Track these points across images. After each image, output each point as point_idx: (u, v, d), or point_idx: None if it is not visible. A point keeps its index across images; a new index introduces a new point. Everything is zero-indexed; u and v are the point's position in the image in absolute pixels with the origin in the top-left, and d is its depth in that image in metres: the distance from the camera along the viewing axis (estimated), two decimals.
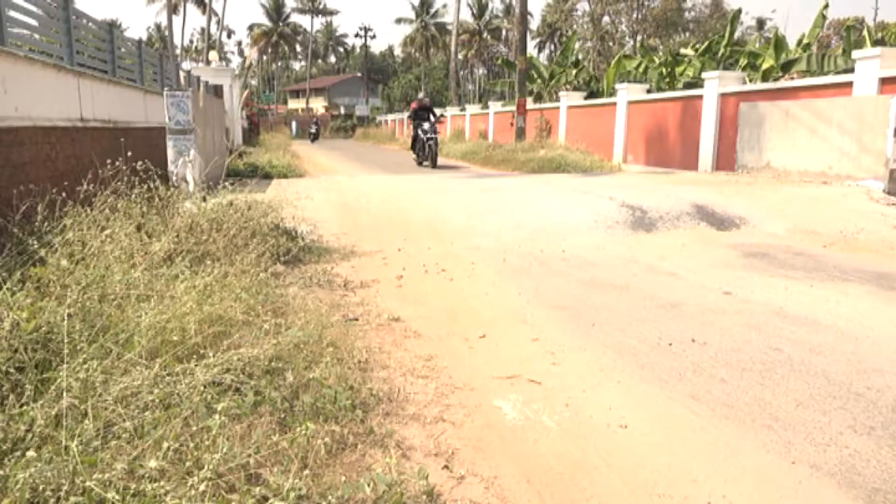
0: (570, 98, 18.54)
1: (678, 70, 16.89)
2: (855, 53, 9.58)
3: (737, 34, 18.31)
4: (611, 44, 34.41)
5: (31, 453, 1.77)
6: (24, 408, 2.13)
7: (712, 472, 2.38)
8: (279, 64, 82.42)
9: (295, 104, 76.25)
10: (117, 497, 1.76)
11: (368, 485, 2.12)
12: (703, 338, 3.77)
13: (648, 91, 15.78)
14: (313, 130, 40.25)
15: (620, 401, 2.98)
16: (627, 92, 15.44)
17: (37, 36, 6.82)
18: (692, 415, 2.83)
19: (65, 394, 2.15)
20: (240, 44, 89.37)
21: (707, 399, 2.98)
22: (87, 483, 1.78)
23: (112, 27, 9.19)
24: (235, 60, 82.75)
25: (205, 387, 2.41)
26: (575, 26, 33.15)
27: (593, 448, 2.57)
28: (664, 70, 16.92)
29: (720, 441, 2.60)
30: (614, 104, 15.93)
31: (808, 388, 3.07)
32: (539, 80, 22.00)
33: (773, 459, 2.46)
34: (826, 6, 14.60)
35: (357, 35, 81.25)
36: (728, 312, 4.25)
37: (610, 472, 2.40)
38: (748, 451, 2.52)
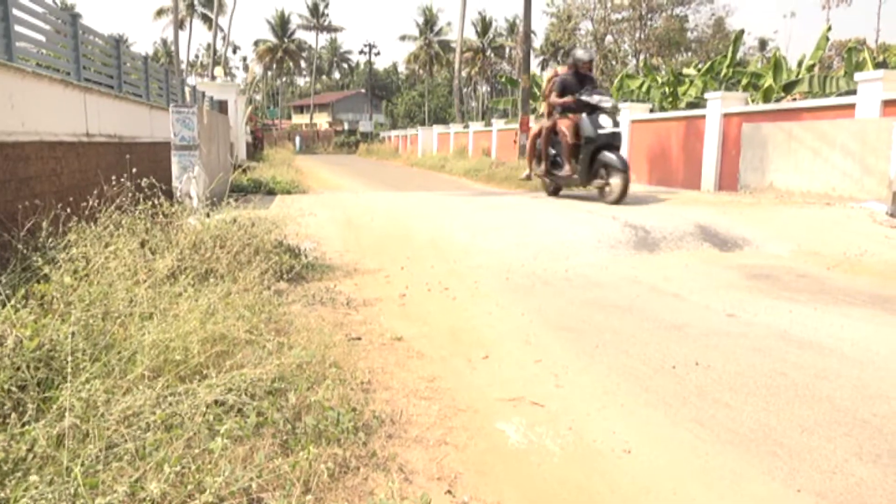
0: None
1: (681, 90, 16.98)
2: (857, 76, 9.61)
3: (739, 54, 18.40)
4: (613, 63, 34.60)
5: (34, 477, 1.76)
6: (26, 427, 2.12)
7: (717, 498, 2.36)
8: (284, 79, 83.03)
9: (299, 119, 76.77)
10: None
11: None
12: (706, 361, 3.75)
13: (651, 110, 15.85)
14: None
15: (624, 425, 2.96)
16: (630, 111, 15.50)
17: (44, 51, 6.88)
18: (696, 440, 2.81)
19: (67, 413, 2.14)
20: (245, 59, 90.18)
21: (711, 424, 2.96)
22: None
23: (119, 42, 9.25)
24: (240, 76, 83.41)
25: (207, 407, 2.40)
26: (578, 45, 33.36)
27: (597, 473, 2.55)
28: (667, 90, 17.01)
29: (725, 467, 2.58)
30: None
31: (812, 413, 3.05)
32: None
33: (779, 487, 2.44)
34: (829, 28, 14.71)
35: (361, 52, 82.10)
36: (732, 335, 4.23)
37: (614, 497, 2.38)
38: (753, 477, 2.50)
